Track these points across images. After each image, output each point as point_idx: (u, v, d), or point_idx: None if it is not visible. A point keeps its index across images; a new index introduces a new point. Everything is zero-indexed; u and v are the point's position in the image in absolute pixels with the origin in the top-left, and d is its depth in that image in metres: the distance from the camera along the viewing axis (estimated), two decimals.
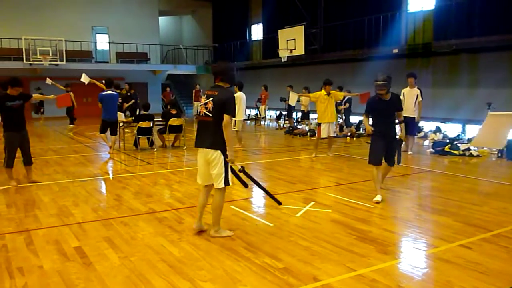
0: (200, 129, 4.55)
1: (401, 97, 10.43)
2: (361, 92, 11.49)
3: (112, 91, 10.79)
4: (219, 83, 4.56)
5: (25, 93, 7.30)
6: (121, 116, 13.36)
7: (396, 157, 6.55)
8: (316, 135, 10.33)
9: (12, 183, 7.19)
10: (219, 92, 4.43)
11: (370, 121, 6.66)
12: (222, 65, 4.72)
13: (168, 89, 21.42)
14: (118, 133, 11.01)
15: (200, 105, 4.49)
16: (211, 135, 4.41)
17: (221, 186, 4.48)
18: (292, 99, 12.90)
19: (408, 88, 10.36)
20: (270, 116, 21.67)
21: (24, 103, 7.10)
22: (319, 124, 10.05)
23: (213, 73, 4.63)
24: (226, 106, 4.36)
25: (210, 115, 4.39)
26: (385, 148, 6.36)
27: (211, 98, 4.41)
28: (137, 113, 14.71)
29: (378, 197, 6.23)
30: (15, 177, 7.37)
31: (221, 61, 4.81)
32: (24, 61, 20.54)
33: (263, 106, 18.80)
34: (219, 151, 4.40)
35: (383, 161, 6.44)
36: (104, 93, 10.54)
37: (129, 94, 16.23)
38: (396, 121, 6.64)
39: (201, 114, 4.48)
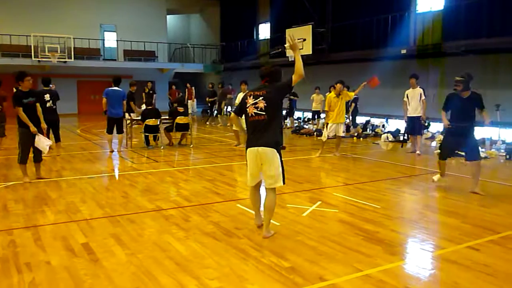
0: (253, 129, 4.43)
1: (405, 98, 10.49)
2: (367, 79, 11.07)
3: (119, 87, 10.61)
4: (265, 84, 4.54)
5: (36, 91, 7.37)
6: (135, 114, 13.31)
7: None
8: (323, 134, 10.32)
9: (26, 179, 7.25)
10: (269, 89, 4.42)
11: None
12: (271, 68, 4.67)
13: (174, 87, 21.47)
14: (124, 131, 11.00)
15: (248, 106, 4.41)
16: (266, 134, 4.35)
17: (279, 184, 4.46)
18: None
19: (411, 89, 10.52)
20: None
21: (36, 101, 7.24)
22: (326, 124, 10.07)
23: (261, 75, 4.59)
24: (281, 88, 4.45)
25: (263, 113, 4.34)
26: (459, 144, 6.65)
27: (261, 98, 4.37)
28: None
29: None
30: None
31: (268, 66, 4.81)
32: (33, 58, 20.70)
33: None
34: (275, 150, 4.37)
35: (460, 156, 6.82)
36: (110, 88, 10.46)
37: (151, 92, 16.48)
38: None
39: (250, 114, 4.40)
